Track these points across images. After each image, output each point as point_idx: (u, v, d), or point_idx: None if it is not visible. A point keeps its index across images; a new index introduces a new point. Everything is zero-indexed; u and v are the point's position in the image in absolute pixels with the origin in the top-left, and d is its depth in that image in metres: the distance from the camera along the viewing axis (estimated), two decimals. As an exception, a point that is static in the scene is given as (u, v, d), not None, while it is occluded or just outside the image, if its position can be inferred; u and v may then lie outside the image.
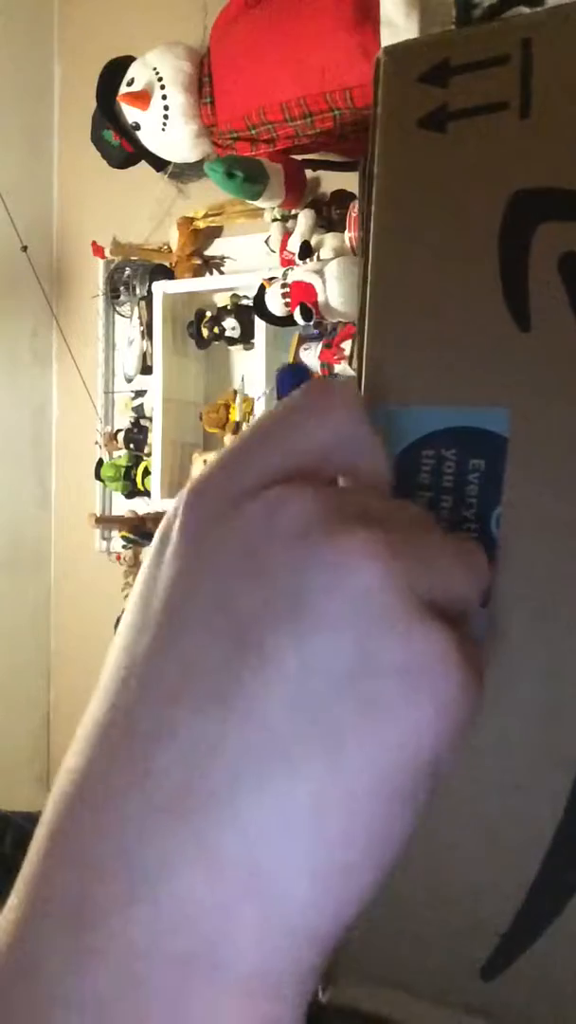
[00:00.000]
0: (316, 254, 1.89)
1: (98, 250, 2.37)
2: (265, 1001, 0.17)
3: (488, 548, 0.25)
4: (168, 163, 2.08)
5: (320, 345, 1.91)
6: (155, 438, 2.21)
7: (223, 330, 2.12)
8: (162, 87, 1.87)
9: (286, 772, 0.18)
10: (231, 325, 2.11)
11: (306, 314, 1.79)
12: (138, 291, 2.30)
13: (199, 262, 2.28)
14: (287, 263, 1.94)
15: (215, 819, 0.18)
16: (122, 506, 2.42)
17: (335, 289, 1.77)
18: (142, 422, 2.35)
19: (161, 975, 0.17)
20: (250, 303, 2.01)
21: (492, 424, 0.25)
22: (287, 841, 0.18)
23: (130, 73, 1.95)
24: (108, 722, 0.19)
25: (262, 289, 1.92)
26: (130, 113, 1.97)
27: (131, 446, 2.35)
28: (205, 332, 2.14)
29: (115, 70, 2.01)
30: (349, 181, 1.92)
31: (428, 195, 0.26)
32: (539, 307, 0.24)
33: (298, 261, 1.89)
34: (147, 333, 2.27)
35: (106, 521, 2.44)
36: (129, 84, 1.94)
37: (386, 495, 0.23)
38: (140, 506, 2.35)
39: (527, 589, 0.25)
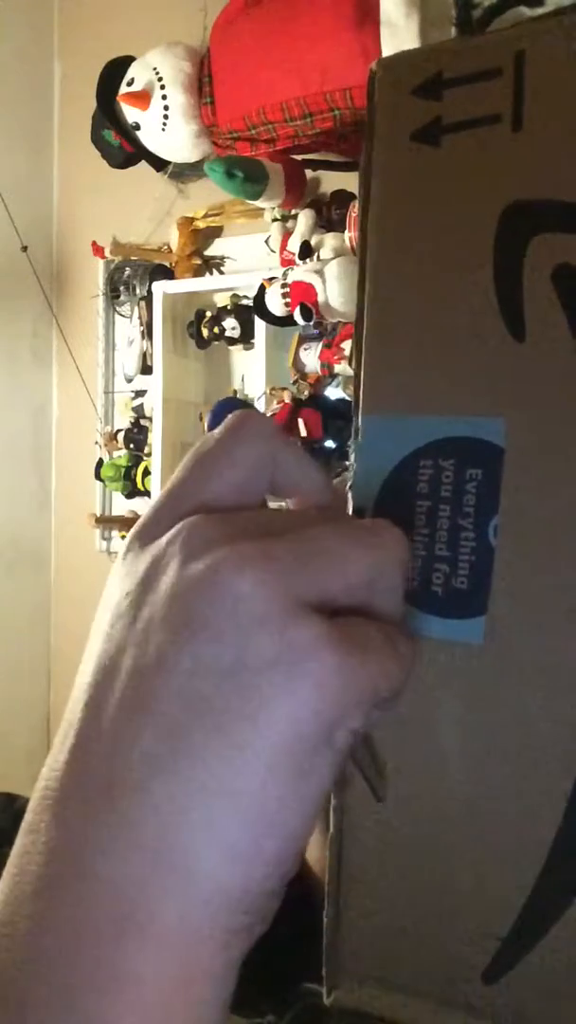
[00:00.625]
0: (316, 254, 1.89)
1: (98, 250, 2.37)
2: (185, 950, 0.21)
3: (486, 557, 0.25)
4: (168, 163, 2.08)
5: (320, 345, 1.91)
6: (155, 438, 2.21)
7: (223, 330, 2.12)
8: (162, 87, 1.87)
9: (188, 758, 0.21)
10: (231, 325, 2.11)
11: (306, 314, 1.79)
12: (138, 291, 2.30)
13: (199, 262, 2.28)
14: (287, 263, 1.94)
15: (135, 804, 0.21)
16: (122, 506, 2.42)
17: (335, 289, 1.77)
18: (142, 422, 2.35)
19: (98, 933, 0.21)
20: (250, 303, 2.01)
21: (489, 434, 0.25)
22: (195, 819, 0.21)
23: (130, 73, 1.95)
24: (58, 740, 0.23)
25: (262, 289, 1.92)
26: (130, 113, 1.97)
27: (131, 446, 2.35)
28: (205, 332, 2.14)
29: (115, 70, 2.01)
30: (349, 181, 1.92)
31: (423, 208, 0.27)
32: (534, 318, 0.25)
33: (298, 261, 1.89)
34: (147, 333, 2.27)
35: (106, 521, 2.44)
36: (129, 84, 1.94)
37: (310, 508, 0.26)
38: (140, 506, 2.35)
39: (525, 597, 0.25)
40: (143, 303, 2.28)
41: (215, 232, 2.27)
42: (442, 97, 0.26)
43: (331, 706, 0.21)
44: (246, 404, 1.92)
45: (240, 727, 0.21)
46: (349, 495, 0.27)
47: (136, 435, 2.35)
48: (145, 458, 2.31)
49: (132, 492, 2.35)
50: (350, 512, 0.27)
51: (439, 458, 0.26)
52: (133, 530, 0.25)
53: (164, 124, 1.91)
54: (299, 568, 0.22)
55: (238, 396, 2.05)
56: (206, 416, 2.03)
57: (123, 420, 2.40)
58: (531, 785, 0.25)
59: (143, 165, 2.13)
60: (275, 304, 1.88)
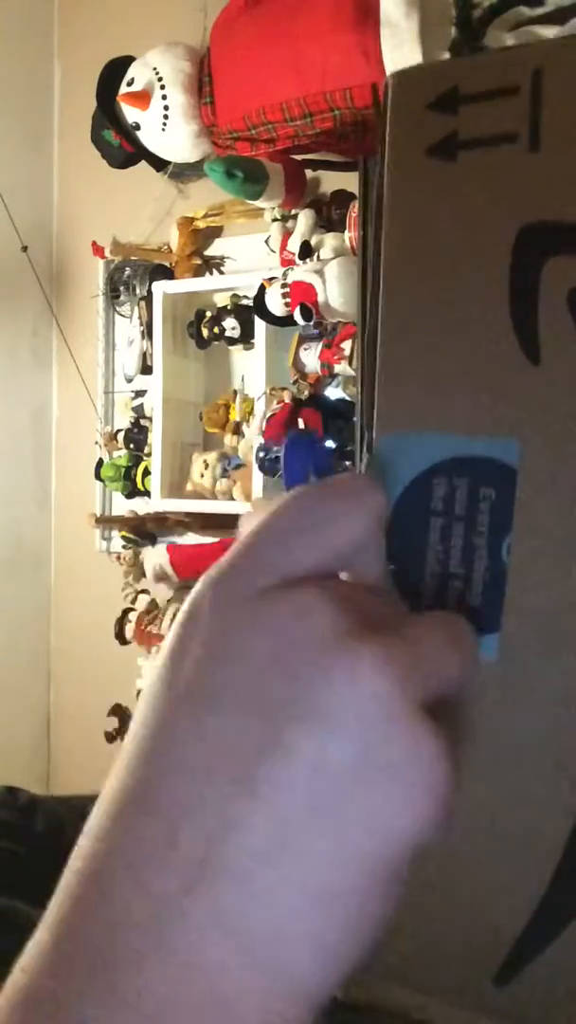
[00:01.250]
0: (316, 254, 1.89)
1: (98, 250, 2.37)
2: None
3: (499, 575, 0.26)
4: (168, 163, 2.08)
5: (320, 345, 1.91)
6: (155, 438, 2.21)
7: (223, 330, 2.12)
8: (162, 87, 1.87)
9: (296, 855, 0.20)
10: (231, 325, 2.11)
11: (306, 314, 1.79)
12: (138, 291, 2.30)
13: (199, 262, 2.28)
14: (287, 263, 1.94)
15: (231, 891, 0.20)
16: (122, 506, 2.42)
17: (335, 289, 1.77)
18: (142, 422, 2.34)
19: (174, 1018, 0.19)
20: (250, 303, 2.01)
21: (502, 454, 0.26)
22: (293, 917, 0.20)
23: (130, 73, 1.95)
24: (131, 797, 0.21)
25: (262, 289, 1.92)
26: (130, 113, 1.97)
27: (131, 446, 2.35)
28: (205, 332, 2.14)
29: (115, 70, 2.01)
30: (349, 181, 1.92)
31: (438, 225, 0.26)
32: (548, 341, 0.25)
33: (298, 261, 1.89)
34: (147, 333, 2.27)
35: (106, 521, 2.44)
36: (129, 84, 1.94)
37: (381, 595, 0.25)
38: (140, 506, 2.35)
39: (538, 616, 0.26)
40: (143, 303, 2.28)
41: (215, 232, 2.27)
42: (458, 112, 0.26)
43: (440, 812, 0.21)
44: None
45: (353, 829, 0.20)
46: None
47: (136, 435, 2.35)
48: (145, 458, 2.31)
49: (132, 492, 2.35)
50: None
51: (453, 477, 0.26)
52: (227, 561, 0.23)
53: (164, 124, 1.91)
54: (418, 670, 0.21)
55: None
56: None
57: (123, 420, 2.40)
58: (542, 795, 0.26)
59: (143, 165, 2.13)
60: (275, 304, 1.88)
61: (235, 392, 2.19)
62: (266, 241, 2.05)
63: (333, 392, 1.97)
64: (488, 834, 0.27)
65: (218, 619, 0.22)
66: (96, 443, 2.42)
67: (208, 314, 2.16)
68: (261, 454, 2.01)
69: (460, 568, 0.26)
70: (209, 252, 2.29)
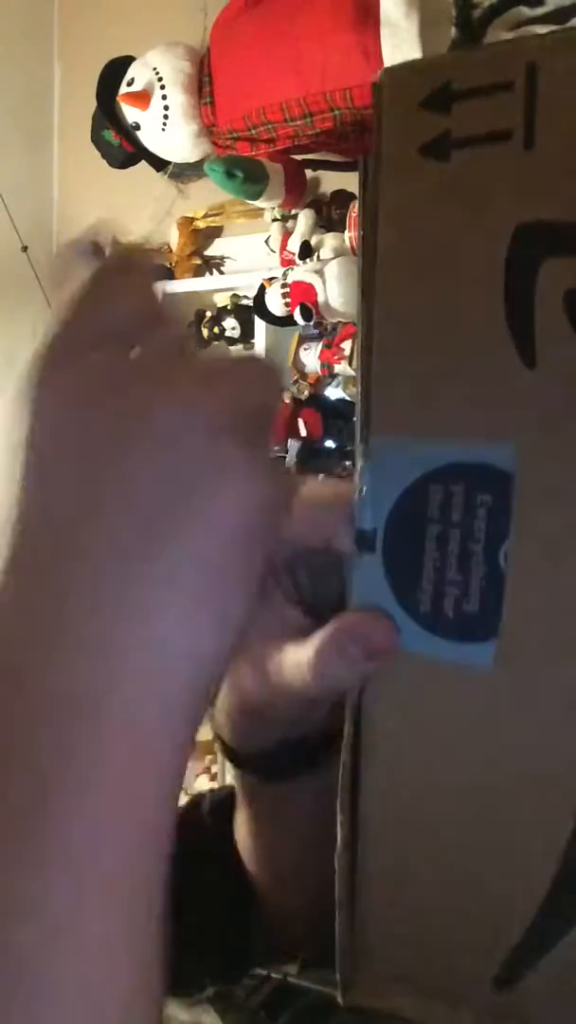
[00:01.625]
0: (316, 254, 1.89)
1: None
2: (137, 737, 0.22)
3: (496, 582, 0.25)
4: (168, 163, 2.08)
5: (320, 345, 1.91)
6: (155, 438, 2.20)
7: (223, 330, 2.12)
8: (162, 87, 1.87)
9: (148, 544, 0.22)
10: (231, 325, 2.11)
11: (306, 314, 1.79)
12: (138, 291, 2.29)
13: (199, 262, 2.28)
14: (287, 263, 1.94)
15: (112, 581, 0.22)
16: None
17: (335, 289, 1.77)
18: (142, 422, 2.34)
19: (52, 707, 0.21)
20: (250, 303, 2.01)
21: (498, 460, 0.25)
22: (166, 595, 0.22)
23: (130, 73, 1.95)
24: (22, 537, 0.23)
25: (262, 289, 1.92)
26: (130, 113, 1.97)
27: (131, 446, 2.35)
28: (205, 332, 2.14)
29: (115, 70, 2.01)
30: (349, 181, 1.92)
31: (433, 227, 0.26)
32: (544, 344, 0.24)
33: (298, 261, 1.89)
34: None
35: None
36: (129, 84, 1.94)
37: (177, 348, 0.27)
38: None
39: (536, 622, 0.25)
40: (143, 303, 2.28)
41: (215, 232, 2.27)
42: (451, 110, 0.25)
43: (247, 507, 0.23)
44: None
45: (192, 518, 0.23)
46: (358, 515, 0.27)
47: (136, 435, 2.34)
48: (145, 458, 2.31)
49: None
50: (358, 530, 0.27)
51: (449, 483, 0.26)
52: (39, 358, 0.26)
53: (164, 124, 1.91)
54: (217, 397, 0.24)
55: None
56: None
57: (123, 420, 2.40)
58: (541, 801, 0.26)
59: (143, 165, 2.13)
60: (275, 304, 1.88)
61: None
62: (266, 241, 2.05)
63: (333, 392, 1.97)
64: (487, 839, 0.27)
65: (42, 378, 0.25)
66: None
67: (208, 314, 2.16)
68: (261, 454, 2.01)
69: (457, 575, 0.26)
70: (209, 252, 2.29)
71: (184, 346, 0.26)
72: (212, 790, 0.46)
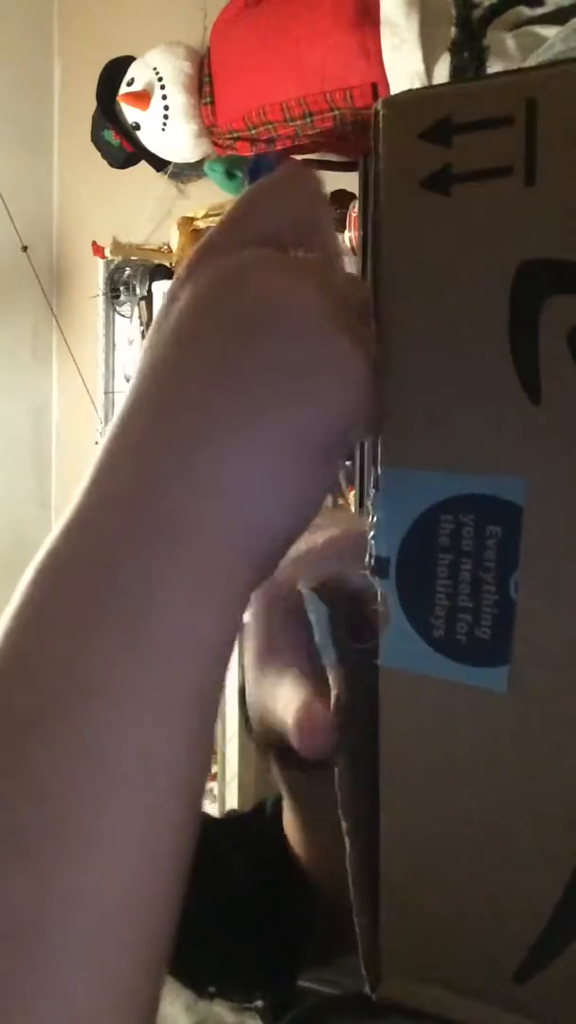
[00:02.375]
0: (316, 254, 1.89)
1: (98, 250, 2.37)
2: (223, 555, 0.25)
3: (508, 609, 0.26)
4: (168, 163, 2.08)
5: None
6: (155, 438, 2.21)
7: (223, 330, 2.12)
8: (162, 87, 1.87)
9: (255, 423, 0.25)
10: (231, 325, 2.11)
11: (306, 314, 1.78)
12: (138, 291, 2.30)
13: (199, 262, 2.28)
14: (287, 263, 1.94)
15: (214, 450, 0.25)
16: (122, 506, 2.42)
17: (335, 289, 1.76)
18: (142, 422, 2.34)
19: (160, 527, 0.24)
20: (250, 303, 2.01)
21: (507, 493, 0.26)
22: (253, 471, 0.25)
23: (130, 73, 1.95)
24: (146, 399, 0.26)
25: (262, 289, 1.91)
26: (130, 113, 1.97)
27: (131, 446, 2.35)
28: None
29: (115, 70, 2.02)
30: (349, 181, 1.92)
31: (435, 261, 0.26)
32: (549, 380, 0.25)
33: (298, 261, 1.89)
34: (147, 333, 2.27)
35: (106, 521, 2.44)
36: (129, 84, 1.94)
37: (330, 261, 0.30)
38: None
39: (545, 650, 0.26)
40: (143, 303, 2.28)
41: (215, 232, 2.27)
42: (452, 143, 0.25)
43: (355, 402, 0.26)
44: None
45: (297, 413, 0.25)
46: (371, 544, 0.28)
47: (136, 435, 2.35)
48: (145, 458, 2.31)
49: (132, 492, 2.34)
50: (370, 559, 0.29)
51: (459, 513, 0.26)
52: (199, 249, 0.28)
53: (164, 124, 1.91)
54: (338, 296, 0.26)
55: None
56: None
57: (123, 420, 2.40)
58: (555, 812, 0.27)
59: (143, 165, 2.13)
60: (275, 304, 1.88)
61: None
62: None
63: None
64: (504, 846, 0.28)
65: (191, 273, 0.28)
66: (96, 443, 2.41)
67: (208, 314, 2.16)
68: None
69: (469, 603, 0.27)
70: (209, 252, 2.29)
71: (334, 257, 0.30)
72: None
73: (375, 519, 0.28)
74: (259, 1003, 0.44)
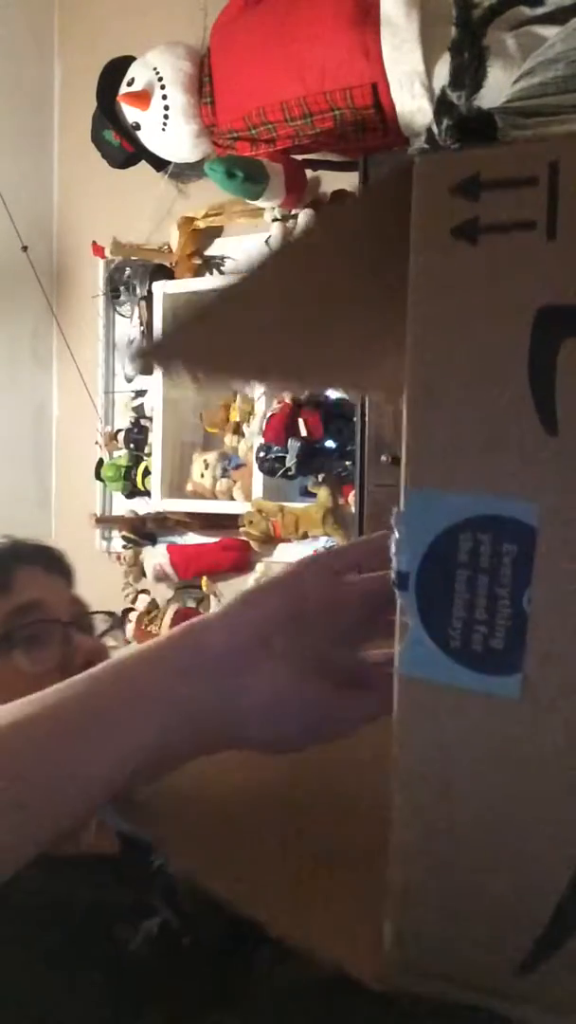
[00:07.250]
0: (316, 254, 1.89)
1: (98, 250, 2.37)
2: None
3: (521, 622, 0.29)
4: (168, 163, 2.08)
5: (320, 345, 1.91)
6: (155, 438, 2.21)
7: (223, 330, 2.11)
8: (162, 87, 1.88)
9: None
10: (231, 325, 2.11)
11: (306, 314, 1.78)
12: (138, 291, 2.30)
13: (199, 262, 2.28)
14: (287, 263, 1.94)
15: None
16: (122, 506, 2.42)
17: (335, 289, 1.76)
18: (142, 422, 2.34)
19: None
20: (250, 303, 2.01)
21: (522, 515, 0.28)
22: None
23: (130, 73, 1.95)
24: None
25: (262, 289, 1.91)
26: (130, 113, 1.97)
27: (131, 446, 2.35)
28: (205, 332, 2.14)
29: (115, 70, 2.02)
30: (349, 181, 1.92)
31: (462, 302, 0.29)
32: (565, 413, 0.28)
33: (298, 261, 1.89)
34: (147, 333, 2.27)
35: (106, 521, 2.44)
36: (129, 84, 1.95)
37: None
38: (140, 506, 2.35)
39: (556, 661, 0.29)
40: (143, 303, 2.28)
41: (215, 232, 2.27)
42: (480, 198, 0.28)
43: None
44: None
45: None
46: (393, 560, 0.30)
47: (136, 435, 2.35)
48: (145, 458, 2.31)
49: (132, 492, 2.35)
50: (396, 571, 0.32)
51: (477, 532, 0.29)
52: (317, 557, 0.43)
53: (164, 124, 1.91)
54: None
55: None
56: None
57: (123, 420, 2.40)
58: (561, 815, 0.30)
59: (143, 165, 2.13)
60: (275, 304, 1.88)
61: (235, 392, 2.19)
62: (266, 241, 2.05)
63: (333, 392, 1.97)
64: (511, 846, 0.31)
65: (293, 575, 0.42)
66: (96, 443, 2.42)
67: (208, 314, 2.15)
68: (261, 454, 2.01)
69: (485, 615, 0.29)
70: (209, 252, 2.29)
71: None
72: None
73: (398, 536, 0.30)
74: None
